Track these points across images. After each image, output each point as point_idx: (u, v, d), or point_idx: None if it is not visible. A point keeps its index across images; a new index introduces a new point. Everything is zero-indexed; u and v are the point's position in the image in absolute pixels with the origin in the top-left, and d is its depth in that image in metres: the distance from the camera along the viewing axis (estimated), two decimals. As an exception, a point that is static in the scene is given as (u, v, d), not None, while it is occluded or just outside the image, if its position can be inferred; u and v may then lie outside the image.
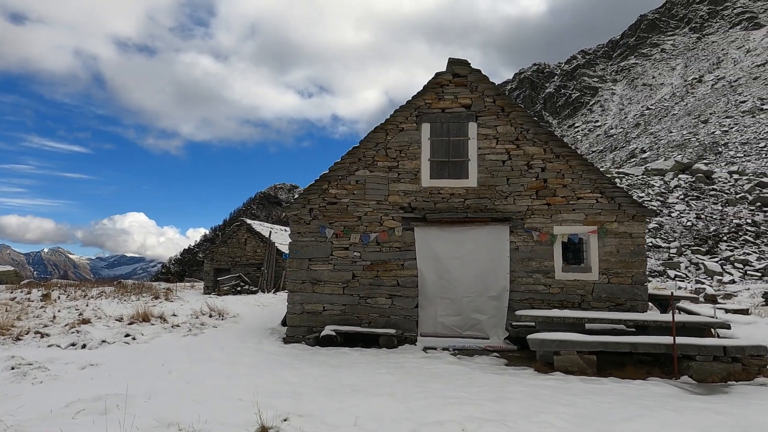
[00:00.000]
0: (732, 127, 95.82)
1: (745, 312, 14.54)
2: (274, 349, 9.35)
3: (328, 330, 9.73)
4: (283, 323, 12.37)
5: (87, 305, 16.59)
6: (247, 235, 26.55)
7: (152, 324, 12.45)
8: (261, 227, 27.99)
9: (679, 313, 9.99)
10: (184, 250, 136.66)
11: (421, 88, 10.58)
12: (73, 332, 10.93)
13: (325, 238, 10.45)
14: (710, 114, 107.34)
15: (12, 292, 20.15)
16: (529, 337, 7.63)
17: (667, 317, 8.00)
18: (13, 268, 36.54)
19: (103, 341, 10.18)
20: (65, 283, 25.53)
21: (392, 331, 9.71)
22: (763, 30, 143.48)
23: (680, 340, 7.20)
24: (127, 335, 10.86)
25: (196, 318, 13.30)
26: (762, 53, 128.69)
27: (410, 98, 10.55)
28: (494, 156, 10.29)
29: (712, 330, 8.31)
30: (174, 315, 14.13)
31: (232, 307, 15.63)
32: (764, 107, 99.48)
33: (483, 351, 9.34)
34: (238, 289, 24.33)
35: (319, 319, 10.28)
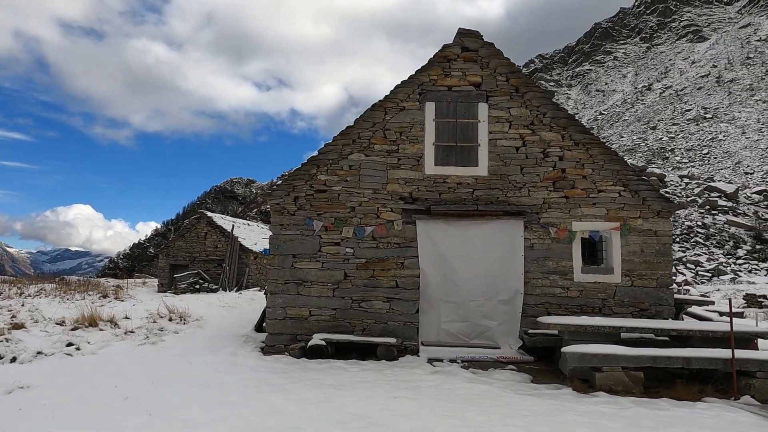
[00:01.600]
0: (678, 134, 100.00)
1: (740, 315, 14.07)
2: (253, 362, 7.82)
3: (317, 339, 8.30)
4: (258, 328, 10.82)
5: (23, 305, 14.42)
6: (208, 229, 24.52)
7: (101, 329, 10.63)
8: (223, 221, 25.99)
9: (703, 321, 9.17)
10: (134, 244, 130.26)
11: (426, 61, 9.28)
12: (1, 340, 9.01)
13: (313, 232, 8.99)
14: (658, 121, 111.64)
15: (-67, 290, 17.54)
16: (565, 350, 6.49)
17: (717, 326, 7.06)
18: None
19: (39, 353, 8.35)
20: (-2, 279, 22.75)
21: (392, 340, 8.38)
22: (707, 43, 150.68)
23: (739, 353, 6.24)
24: (70, 344, 9.04)
25: (154, 322, 11.53)
26: (705, 65, 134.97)
27: (413, 73, 9.23)
28: (507, 142, 9.13)
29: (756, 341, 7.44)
30: (127, 318, 12.28)
31: (194, 309, 13.87)
32: (707, 116, 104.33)
33: (496, 363, 8.17)
34: (197, 287, 22.35)
35: (305, 325, 8.82)
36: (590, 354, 6.34)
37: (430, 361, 8.17)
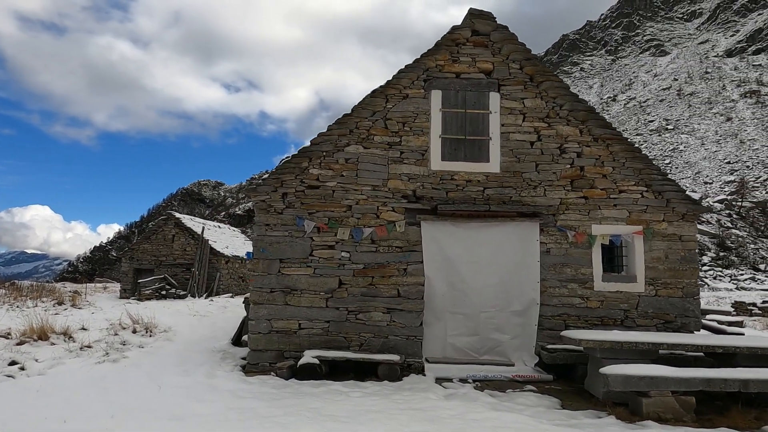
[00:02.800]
0: (641, 144, 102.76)
1: (739, 324, 13.62)
2: (234, 385, 6.65)
3: (309, 357, 7.19)
4: (236, 341, 9.61)
5: (-38, 314, 12.78)
6: (176, 231, 22.93)
7: (52, 343, 9.22)
8: (192, 222, 24.42)
9: (718, 333, 8.49)
10: (95, 247, 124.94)
11: (433, 45, 8.34)
12: (-73, 359, 7.56)
13: (304, 233, 7.89)
14: (623, 131, 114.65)
15: None
16: (605, 371, 5.60)
17: (765, 343, 6.31)
18: None
19: (-28, 374, 6.96)
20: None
21: (395, 357, 7.35)
22: (668, 57, 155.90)
23: (800, 374, 5.49)
24: (13, 362, 7.68)
25: (115, 334, 10.15)
26: (667, 78, 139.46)
27: (418, 56, 8.26)
28: (520, 136, 8.26)
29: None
30: (84, 329, 10.85)
31: (161, 318, 12.48)
32: (668, 127, 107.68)
33: (512, 382, 7.25)
34: (163, 293, 20.79)
35: (294, 340, 7.70)
36: (636, 376, 5.47)
37: (439, 381, 7.18)
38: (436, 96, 8.25)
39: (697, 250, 8.11)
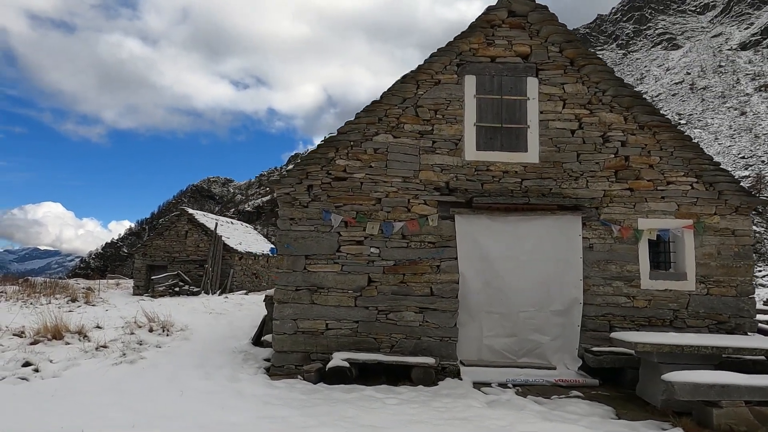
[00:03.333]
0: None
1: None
2: (261, 390, 6.22)
3: (339, 359, 6.74)
4: (256, 341, 9.21)
5: (-24, 311, 12.51)
6: (189, 227, 22.60)
7: (67, 343, 8.86)
8: (205, 218, 24.09)
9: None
10: (107, 243, 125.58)
11: (467, 27, 7.82)
12: (-61, 359, 7.22)
13: (330, 228, 7.44)
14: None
15: None
16: (671, 379, 5.08)
17: None
18: None
19: (-15, 377, 6.60)
20: (-48, 280, 20.46)
21: (430, 360, 6.88)
22: (681, 51, 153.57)
23: None
24: (27, 364, 7.31)
25: (131, 333, 9.78)
26: (679, 72, 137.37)
27: (451, 39, 7.75)
28: (560, 123, 7.74)
29: None
30: (99, 327, 10.51)
31: (176, 316, 12.12)
32: (681, 122, 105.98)
33: (555, 387, 6.77)
34: (177, 289, 20.47)
35: (321, 341, 7.25)
36: (706, 385, 4.95)
37: (476, 385, 6.71)
38: (470, 81, 7.74)
39: (751, 246, 7.55)
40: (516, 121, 7.70)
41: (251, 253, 24.14)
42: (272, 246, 8.71)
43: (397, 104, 7.65)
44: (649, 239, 7.54)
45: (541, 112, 7.71)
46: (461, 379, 6.92)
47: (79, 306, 14.61)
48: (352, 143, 7.59)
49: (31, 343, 8.57)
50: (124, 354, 8.11)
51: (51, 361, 7.60)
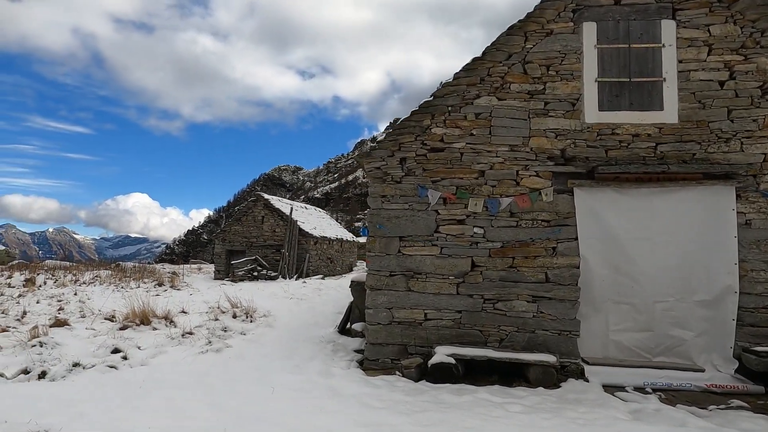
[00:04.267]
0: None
1: None
2: (357, 388, 5.50)
3: (443, 355, 5.89)
4: (342, 329, 8.60)
5: (75, 294, 12.95)
6: (265, 212, 22.66)
7: (154, 328, 8.71)
8: (280, 203, 24.10)
9: None
10: (188, 231, 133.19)
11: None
12: (35, 344, 7.16)
13: (427, 205, 6.56)
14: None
15: (-10, 276, 16.49)
16: None
17: None
18: (4, 248, 33.04)
19: (76, 364, 6.39)
20: (55, 264, 21.83)
21: (551, 358, 5.86)
22: None
23: None
24: (116, 350, 7.10)
25: (216, 319, 9.51)
26: None
27: (566, -19, 6.54)
28: (705, 74, 6.33)
29: None
30: (184, 312, 10.40)
31: (258, 301, 11.87)
32: None
33: (705, 393, 5.55)
34: (255, 274, 20.59)
35: (420, 333, 6.44)
36: None
37: (607, 389, 5.63)
38: (589, 29, 6.51)
39: None
40: (648, 73, 6.38)
41: (326, 237, 23.91)
42: (363, 226, 8.02)
43: (502, 61, 6.57)
44: (825, 213, 6.02)
45: (679, 62, 6.34)
46: (587, 381, 5.86)
47: (165, 290, 14.85)
48: (450, 108, 6.62)
49: (121, 329, 8.48)
50: (210, 342, 7.76)
51: (139, 348, 7.38)
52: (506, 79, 6.57)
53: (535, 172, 6.46)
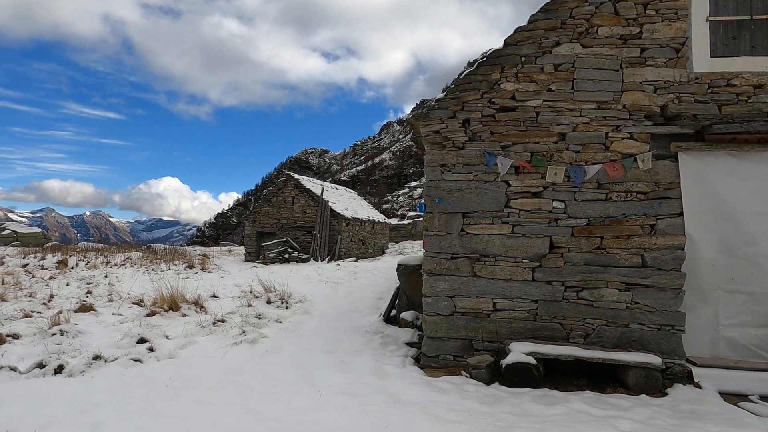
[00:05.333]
0: None
1: None
2: (419, 393, 4.58)
3: (520, 353, 4.90)
4: (388, 318, 7.72)
5: (105, 276, 12.46)
6: (295, 193, 21.89)
7: (183, 314, 8.02)
8: (311, 183, 23.30)
9: None
10: (218, 214, 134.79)
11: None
12: (56, 332, 6.49)
13: (496, 175, 5.53)
14: None
15: (25, 257, 16.27)
16: None
17: None
18: (40, 230, 33.36)
19: (97, 357, 5.66)
20: (88, 246, 21.73)
21: (655, 359, 4.80)
22: None
23: None
24: (142, 340, 6.35)
25: (249, 305, 8.74)
26: None
27: None
28: None
29: None
30: (214, 297, 9.70)
31: (292, 285, 11.10)
32: None
33: None
34: (286, 256, 19.93)
35: (488, 326, 5.46)
36: None
37: (727, 397, 4.57)
38: (698, -43, 5.28)
39: None
40: (774, 9, 5.15)
41: (357, 218, 23.05)
42: (420, 202, 7.12)
43: (588, 0, 5.42)
44: None
45: (817, -7, 5.08)
46: (698, 387, 4.80)
47: (196, 273, 14.27)
48: (523, 59, 5.52)
49: (148, 314, 7.81)
50: (243, 331, 6.96)
51: (167, 337, 6.66)
52: (593, 21, 5.42)
53: (629, 133, 5.33)
